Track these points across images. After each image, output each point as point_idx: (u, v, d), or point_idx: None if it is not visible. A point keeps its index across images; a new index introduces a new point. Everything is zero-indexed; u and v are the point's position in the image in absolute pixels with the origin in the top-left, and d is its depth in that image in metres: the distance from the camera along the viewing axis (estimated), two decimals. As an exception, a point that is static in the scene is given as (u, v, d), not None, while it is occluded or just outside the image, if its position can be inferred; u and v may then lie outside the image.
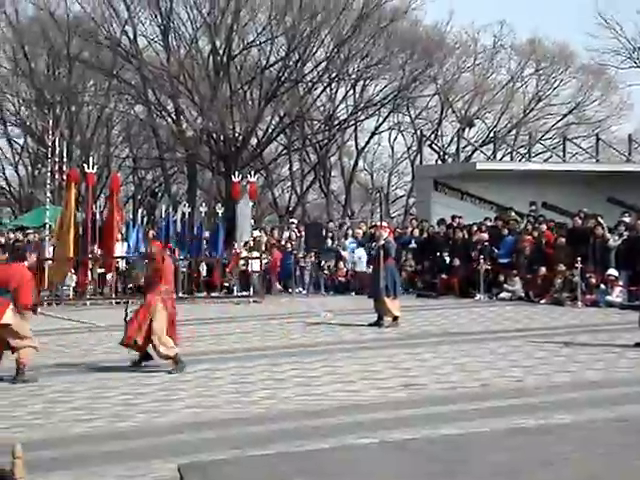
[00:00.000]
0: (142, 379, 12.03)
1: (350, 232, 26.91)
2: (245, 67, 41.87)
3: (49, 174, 25.51)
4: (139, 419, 9.71)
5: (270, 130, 42.27)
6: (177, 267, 23.78)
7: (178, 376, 12.18)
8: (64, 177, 24.78)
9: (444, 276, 23.64)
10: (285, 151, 45.50)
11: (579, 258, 20.46)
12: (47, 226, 24.49)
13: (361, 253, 24.89)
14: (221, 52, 40.29)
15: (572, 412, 9.46)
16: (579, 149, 38.06)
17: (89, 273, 23.45)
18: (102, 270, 23.81)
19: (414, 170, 41.88)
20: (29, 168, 46.73)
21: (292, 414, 9.79)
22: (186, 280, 23.88)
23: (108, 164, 45.43)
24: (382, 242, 17.35)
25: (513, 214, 24.83)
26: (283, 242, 26.41)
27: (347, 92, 44.57)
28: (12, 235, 26.83)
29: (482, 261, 22.55)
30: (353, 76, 43.08)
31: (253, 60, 41.98)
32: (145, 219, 28.48)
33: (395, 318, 17.14)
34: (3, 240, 25.32)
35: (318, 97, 43.81)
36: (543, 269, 21.65)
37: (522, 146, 40.62)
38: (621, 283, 20.25)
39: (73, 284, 23.55)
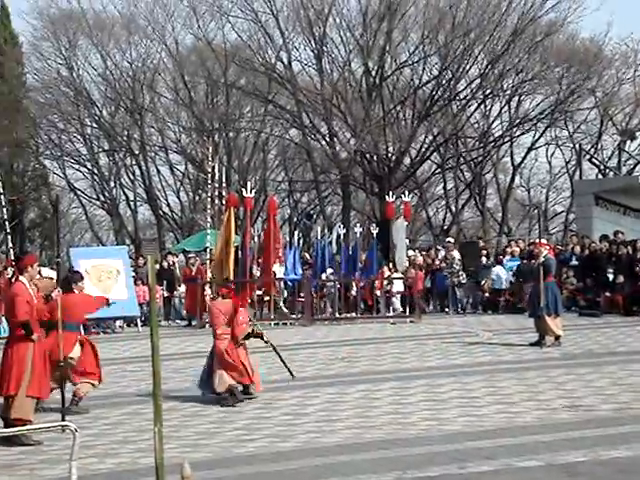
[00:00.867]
0: (303, 400, 12.13)
1: (508, 250, 26.44)
2: (398, 87, 41.92)
3: (209, 199, 26.17)
4: (300, 440, 9.77)
5: (423, 149, 42.13)
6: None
7: (338, 397, 12.21)
8: (223, 202, 25.37)
9: (608, 294, 22.93)
10: (439, 170, 45.24)
11: None
12: (208, 250, 25.10)
13: (498, 271, 24.68)
14: (374, 73, 40.50)
15: None
16: None
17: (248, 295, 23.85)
18: (260, 292, 24.19)
19: (573, 185, 40.86)
20: (190, 194, 48.12)
21: (453, 435, 9.65)
22: (341, 301, 23.99)
23: (265, 188, 46.29)
24: (542, 259, 16.96)
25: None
26: (438, 262, 26.18)
27: (502, 108, 43.98)
28: (172, 259, 27.56)
29: (648, 278, 21.73)
30: (508, 92, 42.48)
31: (406, 80, 41.99)
32: (301, 241, 28.81)
33: (557, 337, 16.71)
34: (166, 264, 26.11)
35: (472, 114, 43.39)
36: None
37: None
38: None
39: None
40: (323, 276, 24.81)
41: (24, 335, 10.39)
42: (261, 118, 44.58)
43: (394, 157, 40.13)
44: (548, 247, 18.38)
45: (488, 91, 41.52)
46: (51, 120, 45.75)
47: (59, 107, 45.10)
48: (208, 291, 23.72)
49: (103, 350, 18.69)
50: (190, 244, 32.51)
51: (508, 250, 26.45)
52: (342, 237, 25.80)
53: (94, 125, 46.15)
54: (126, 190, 47.92)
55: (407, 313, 23.62)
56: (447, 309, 25.14)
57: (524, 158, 47.10)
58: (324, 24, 40.38)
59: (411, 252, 26.26)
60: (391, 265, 25.25)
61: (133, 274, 23.78)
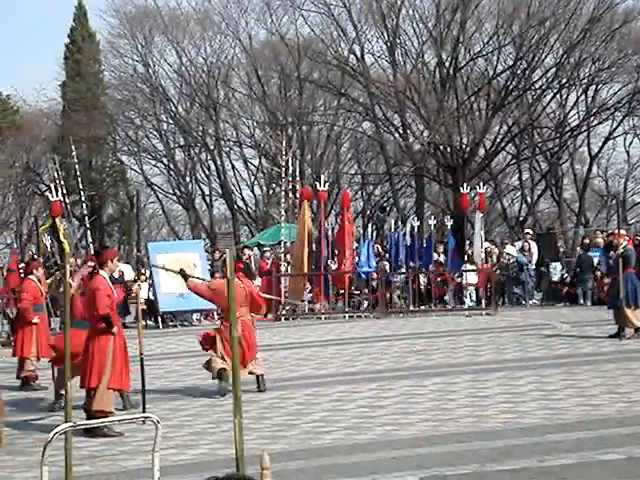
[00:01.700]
0: (379, 392, 12.14)
1: (586, 241, 26.05)
2: (472, 78, 41.54)
3: (283, 193, 26.30)
4: (377, 432, 9.78)
5: (498, 140, 41.70)
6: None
7: (413, 389, 12.19)
8: (297, 195, 25.48)
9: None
10: (514, 160, 44.75)
11: None
12: (282, 243, 25.24)
13: (557, 264, 24.60)
14: (447, 64, 40.20)
15: None
16: None
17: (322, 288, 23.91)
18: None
19: (652, 175, 40.06)
20: (264, 188, 48.43)
21: (532, 428, 9.56)
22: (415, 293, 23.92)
23: (338, 181, 46.35)
24: (621, 250, 16.69)
25: None
26: (514, 253, 25.91)
27: (578, 97, 43.32)
28: (248, 252, 27.75)
29: None
30: (584, 81, 41.82)
31: (480, 70, 41.60)
32: (374, 234, 28.77)
33: (637, 329, 16.43)
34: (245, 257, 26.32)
35: (548, 104, 42.81)
36: None
37: None
38: None
39: (308, 299, 24.13)
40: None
41: (105, 328, 10.59)
42: (334, 111, 44.62)
43: (468, 148, 39.80)
44: (627, 238, 18.07)
45: (564, 80, 40.89)
46: (128, 116, 46.49)
47: (136, 103, 45.79)
48: (284, 284, 23.89)
49: (180, 343, 19.01)
50: (265, 238, 32.73)
51: (586, 241, 26.07)
52: (416, 229, 25.70)
53: (170, 121, 46.75)
54: (201, 185, 48.47)
55: (483, 305, 23.46)
56: (524, 301, 24.89)
57: (601, 148, 46.34)
58: (397, 16, 40.21)
59: (487, 244, 26.04)
60: (466, 257, 25.10)
61: (209, 267, 24.04)
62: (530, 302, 24.73)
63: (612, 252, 17.53)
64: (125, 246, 48.59)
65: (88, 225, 25.50)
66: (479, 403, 11.02)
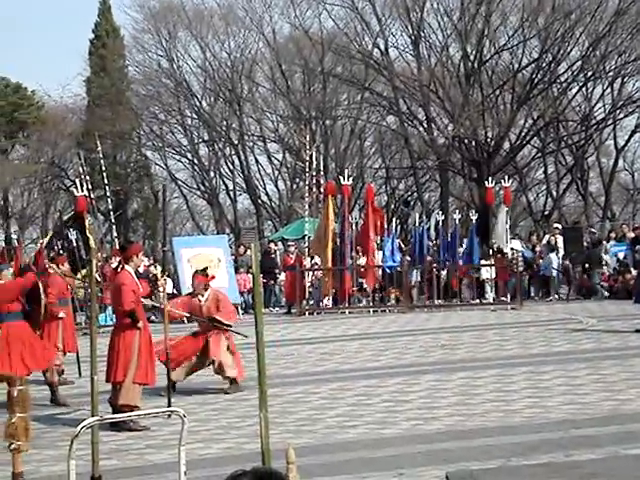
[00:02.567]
0: (404, 387, 12.12)
1: (613, 235, 25.89)
2: (497, 71, 41.34)
3: (307, 187, 26.29)
4: (402, 426, 9.77)
5: (523, 133, 41.49)
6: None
7: (439, 384, 12.16)
8: (321, 190, 25.46)
9: None
10: (539, 154, 44.50)
11: None
12: (306, 238, 25.23)
13: (553, 258, 24.47)
14: (472, 58, 40.02)
15: None
16: None
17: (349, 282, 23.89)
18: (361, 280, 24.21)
19: (679, 168, 39.72)
20: (288, 182, 48.43)
21: (558, 423, 9.52)
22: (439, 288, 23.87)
23: (362, 175, 46.27)
24: (647, 245, 16.58)
25: None
26: (519, 247, 25.77)
27: (604, 90, 42.99)
28: (273, 246, 27.84)
29: None
30: (610, 74, 41.50)
31: (505, 64, 41.39)
32: (399, 228, 28.71)
33: (664, 324, 16.32)
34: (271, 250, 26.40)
35: (573, 97, 42.53)
36: None
37: None
38: None
39: (332, 293, 24.12)
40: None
41: (130, 323, 10.63)
42: (358, 105, 44.54)
43: (493, 142, 39.63)
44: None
45: (590, 73, 40.61)
46: (152, 112, 46.61)
47: (160, 99, 45.90)
48: (308, 278, 23.89)
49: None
50: (289, 232, 32.76)
51: (612, 235, 25.92)
52: (440, 224, 25.61)
53: (194, 116, 46.83)
54: (225, 180, 48.53)
55: (508, 299, 23.36)
56: (550, 296, 24.77)
57: (628, 141, 45.98)
58: (421, 9, 40.07)
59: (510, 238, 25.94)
60: (491, 252, 24.98)
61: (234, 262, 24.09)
62: (555, 296, 24.62)
63: (638, 246, 17.40)
64: (150, 241, 48.75)
65: (113, 220, 25.63)
66: (505, 398, 10.98)
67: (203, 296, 12.72)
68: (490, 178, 27.45)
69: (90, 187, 23.11)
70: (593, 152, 45.70)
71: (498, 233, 24.76)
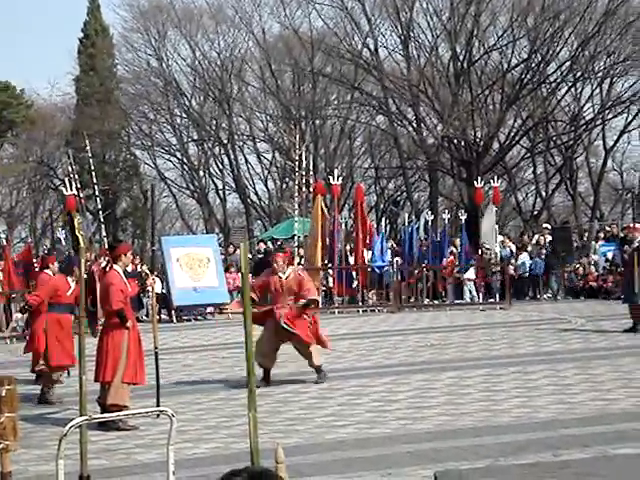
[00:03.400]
0: (392, 386, 12.13)
1: (601, 235, 25.96)
2: (486, 71, 41.40)
3: (296, 187, 26.27)
4: (391, 426, 9.77)
5: (512, 133, 41.56)
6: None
7: (428, 384, 12.18)
8: (310, 189, 25.46)
9: None
10: (528, 154, 44.59)
11: None
12: (296, 237, 25.23)
13: (525, 258, 24.53)
14: (461, 58, 40.07)
15: None
16: None
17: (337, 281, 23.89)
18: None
19: (667, 168, 39.85)
20: (277, 182, 48.40)
21: (546, 423, 9.53)
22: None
23: (351, 175, 46.26)
24: (636, 244, 16.62)
25: None
26: (529, 248, 25.85)
27: (593, 91, 43.08)
28: (263, 246, 27.85)
29: None
30: (599, 74, 41.60)
31: (494, 64, 41.46)
32: (388, 228, 28.72)
33: (652, 324, 16.36)
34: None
35: (562, 97, 42.63)
36: None
37: None
38: None
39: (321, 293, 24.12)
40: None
41: (119, 323, 10.61)
42: (347, 105, 44.55)
43: (482, 142, 39.69)
44: (643, 232, 17.95)
45: (579, 74, 40.70)
46: (141, 111, 46.53)
47: (149, 98, 45.82)
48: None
49: (194, 336, 19.05)
50: (278, 232, 32.74)
51: (601, 235, 25.99)
52: (430, 224, 25.62)
53: (183, 115, 46.77)
54: (215, 179, 48.47)
55: (480, 299, 23.49)
56: (538, 295, 24.83)
57: (616, 141, 46.09)
58: (411, 9, 40.11)
59: (500, 237, 25.98)
60: (480, 252, 25.03)
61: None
62: (545, 296, 24.69)
63: (627, 246, 17.45)
64: (139, 240, 48.66)
65: (102, 219, 25.55)
66: (493, 397, 10.99)
67: (284, 273, 12.66)
68: (479, 178, 27.48)
69: (79, 186, 23.03)
70: (582, 152, 45.81)
71: (487, 233, 24.81)
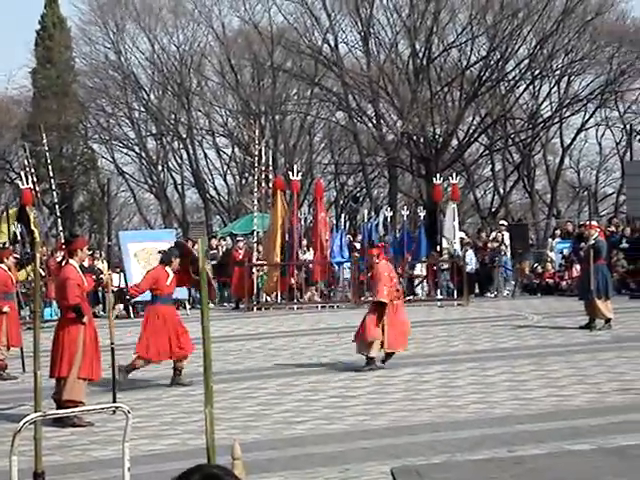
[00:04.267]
0: (350, 382, 12.14)
1: (558, 232, 26.19)
2: (445, 68, 41.61)
3: (256, 182, 26.21)
4: (348, 422, 9.78)
5: (471, 131, 41.81)
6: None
7: (385, 380, 12.21)
8: (270, 185, 25.41)
9: (658, 276, 22.63)
10: (487, 151, 44.89)
11: None
12: (255, 233, 25.17)
13: (470, 255, 24.70)
14: (421, 55, 40.22)
15: None
16: None
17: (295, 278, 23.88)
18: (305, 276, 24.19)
19: (624, 166, 40.31)
20: (237, 177, 48.25)
21: (503, 419, 9.60)
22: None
23: (311, 171, 46.25)
24: (592, 242, 16.78)
25: None
26: (489, 244, 26.00)
27: (551, 89, 43.47)
28: (223, 242, 27.76)
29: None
30: (557, 72, 41.98)
31: (453, 61, 41.67)
32: (347, 224, 28.77)
33: (607, 320, 16.54)
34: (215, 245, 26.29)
35: (521, 95, 42.95)
36: None
37: None
38: None
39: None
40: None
41: (75, 318, 10.50)
42: (307, 101, 44.54)
43: (441, 139, 39.88)
44: (598, 229, 18.17)
45: (537, 71, 41.05)
46: (99, 104, 46.13)
47: (107, 91, 45.46)
48: (256, 274, 23.82)
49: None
50: (237, 227, 32.63)
51: (557, 232, 26.22)
52: (389, 220, 25.69)
53: (142, 109, 46.46)
54: (174, 174, 48.23)
55: (455, 296, 23.55)
56: (495, 292, 24.99)
57: (574, 139, 46.57)
58: (371, 5, 40.18)
59: (461, 234, 26.11)
60: (438, 248, 25.14)
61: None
62: (504, 293, 24.85)
63: (583, 243, 17.62)
64: (96, 235, 48.26)
65: (58, 213, 25.31)
66: (450, 393, 11.05)
67: (374, 268, 12.79)
68: (438, 175, 27.60)
69: (35, 180, 22.78)
70: (540, 150, 46.20)
71: (447, 229, 24.92)
